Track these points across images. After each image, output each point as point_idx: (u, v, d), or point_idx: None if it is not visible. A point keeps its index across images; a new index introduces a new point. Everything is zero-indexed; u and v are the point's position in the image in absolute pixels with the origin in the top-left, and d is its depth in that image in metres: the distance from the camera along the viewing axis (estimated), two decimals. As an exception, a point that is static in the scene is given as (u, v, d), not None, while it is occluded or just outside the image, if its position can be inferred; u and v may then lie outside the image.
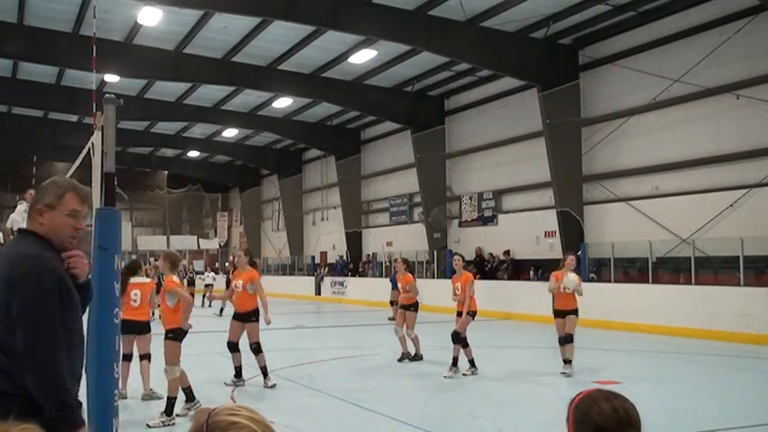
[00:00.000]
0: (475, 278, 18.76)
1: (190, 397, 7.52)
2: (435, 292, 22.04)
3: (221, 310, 21.55)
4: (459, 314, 10.40)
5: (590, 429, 1.74)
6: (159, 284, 20.60)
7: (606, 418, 1.73)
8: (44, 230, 2.70)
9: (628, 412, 1.76)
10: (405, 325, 11.72)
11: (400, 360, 11.70)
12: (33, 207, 2.73)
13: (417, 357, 11.73)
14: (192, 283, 26.71)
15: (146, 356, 8.48)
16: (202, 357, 11.58)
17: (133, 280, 8.29)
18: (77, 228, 2.76)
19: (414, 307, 11.89)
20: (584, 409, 1.78)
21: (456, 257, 10.80)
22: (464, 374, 10.00)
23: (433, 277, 23.96)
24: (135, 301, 8.35)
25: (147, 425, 6.97)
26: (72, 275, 2.74)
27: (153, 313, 20.77)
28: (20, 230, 2.79)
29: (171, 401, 7.13)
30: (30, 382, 2.37)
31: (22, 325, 2.42)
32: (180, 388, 7.34)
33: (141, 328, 8.43)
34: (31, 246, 2.65)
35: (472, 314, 10.38)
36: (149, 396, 8.35)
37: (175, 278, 7.54)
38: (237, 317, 9.48)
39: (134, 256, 37.81)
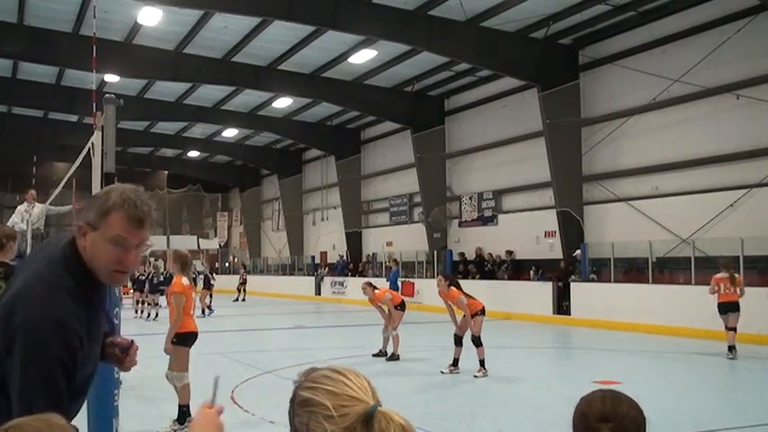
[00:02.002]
0: (474, 278, 19.00)
1: (181, 417, 6.91)
2: (435, 293, 22.02)
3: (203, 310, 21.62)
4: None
5: (577, 415, 1.86)
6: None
7: (591, 408, 1.83)
8: (87, 256, 2.04)
9: (616, 408, 1.82)
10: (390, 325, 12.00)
11: (376, 355, 12.02)
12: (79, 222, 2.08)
13: (394, 357, 11.80)
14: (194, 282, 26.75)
15: None
16: (202, 357, 11.57)
17: None
18: (124, 262, 2.05)
19: (399, 307, 12.20)
20: (582, 399, 1.89)
21: (438, 278, 11.02)
22: (475, 376, 10.01)
23: (433, 277, 23.90)
24: None
25: None
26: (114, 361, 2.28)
27: (157, 314, 20.82)
28: (70, 244, 2.07)
29: (182, 410, 6.84)
30: None
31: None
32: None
33: None
34: (57, 280, 1.98)
35: (481, 312, 10.44)
36: None
37: (184, 281, 7.00)
38: None
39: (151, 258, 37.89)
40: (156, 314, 20.45)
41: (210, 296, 27.11)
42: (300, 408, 1.35)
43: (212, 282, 24.57)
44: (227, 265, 44.34)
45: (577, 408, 1.87)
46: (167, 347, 6.87)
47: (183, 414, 6.88)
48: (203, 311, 21.59)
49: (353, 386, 1.37)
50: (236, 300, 29.73)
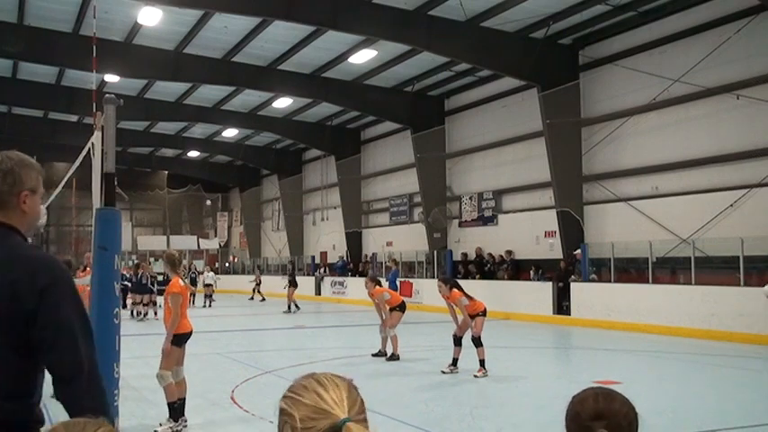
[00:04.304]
0: (474, 278, 18.77)
1: (178, 412, 6.93)
2: (435, 293, 22.09)
3: (290, 306, 23.39)
4: (471, 316, 10.50)
5: (570, 415, 1.86)
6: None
7: (584, 407, 1.84)
8: (27, 219, 2.29)
9: (609, 406, 1.83)
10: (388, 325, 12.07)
11: (375, 355, 12.07)
12: (12, 193, 2.22)
13: (394, 357, 11.84)
14: (193, 282, 26.77)
15: None
16: (202, 357, 11.58)
17: None
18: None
19: (399, 307, 12.27)
20: (574, 399, 1.89)
21: (438, 283, 11.00)
22: (475, 376, 10.02)
23: (433, 277, 23.92)
24: None
25: None
26: None
27: (145, 314, 20.84)
28: (9, 228, 2.25)
29: (171, 406, 6.89)
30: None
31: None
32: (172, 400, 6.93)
33: None
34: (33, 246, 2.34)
35: (482, 313, 10.47)
36: None
37: (181, 282, 7.03)
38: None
39: (134, 257, 37.91)
40: (145, 314, 20.41)
41: (194, 295, 26.87)
42: (279, 415, 1.37)
43: (296, 280, 25.12)
44: (227, 265, 44.34)
45: (570, 407, 1.88)
46: (166, 347, 6.88)
47: (175, 411, 6.90)
48: (296, 306, 23.39)
49: (327, 398, 1.34)
50: (252, 299, 29.77)
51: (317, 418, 1.32)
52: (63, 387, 2.15)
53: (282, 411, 1.36)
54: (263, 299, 29.88)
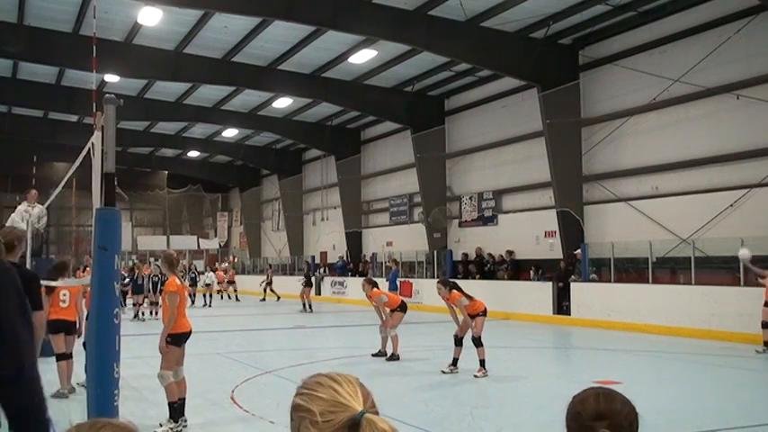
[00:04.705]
0: (474, 278, 18.59)
1: (178, 412, 6.94)
2: (435, 293, 22.07)
3: (304, 305, 23.57)
4: (471, 316, 10.50)
5: (571, 415, 1.87)
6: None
7: (586, 406, 1.85)
8: None
9: (610, 406, 1.85)
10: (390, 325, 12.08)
11: (375, 355, 12.10)
12: None
13: (394, 357, 11.85)
14: (193, 282, 26.82)
15: (69, 355, 8.71)
16: (202, 357, 11.59)
17: (64, 281, 8.29)
18: None
19: (400, 308, 12.28)
20: (575, 399, 1.90)
21: (437, 286, 10.93)
22: (475, 376, 10.02)
23: (433, 277, 23.93)
24: (64, 301, 8.61)
25: None
26: None
27: (156, 313, 20.81)
28: None
29: (172, 406, 6.89)
30: None
31: None
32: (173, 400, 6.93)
33: (69, 328, 8.69)
34: None
35: (483, 313, 10.48)
36: (71, 391, 8.56)
37: (177, 281, 7.02)
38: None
39: (134, 257, 37.92)
40: (143, 314, 20.41)
41: (208, 295, 27.08)
42: (294, 412, 1.40)
43: (312, 280, 25.45)
44: (226, 265, 44.29)
45: (571, 406, 1.89)
46: (162, 345, 6.89)
47: (175, 411, 6.89)
48: (309, 308, 23.50)
49: (343, 392, 1.38)
50: (264, 299, 29.68)
51: (336, 411, 1.35)
52: (4, 387, 2.11)
53: (299, 407, 1.39)
54: (264, 298, 29.87)
